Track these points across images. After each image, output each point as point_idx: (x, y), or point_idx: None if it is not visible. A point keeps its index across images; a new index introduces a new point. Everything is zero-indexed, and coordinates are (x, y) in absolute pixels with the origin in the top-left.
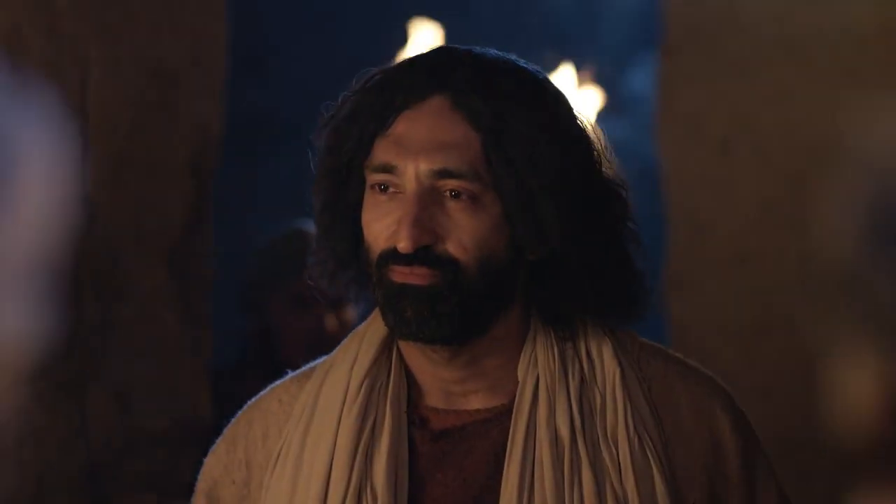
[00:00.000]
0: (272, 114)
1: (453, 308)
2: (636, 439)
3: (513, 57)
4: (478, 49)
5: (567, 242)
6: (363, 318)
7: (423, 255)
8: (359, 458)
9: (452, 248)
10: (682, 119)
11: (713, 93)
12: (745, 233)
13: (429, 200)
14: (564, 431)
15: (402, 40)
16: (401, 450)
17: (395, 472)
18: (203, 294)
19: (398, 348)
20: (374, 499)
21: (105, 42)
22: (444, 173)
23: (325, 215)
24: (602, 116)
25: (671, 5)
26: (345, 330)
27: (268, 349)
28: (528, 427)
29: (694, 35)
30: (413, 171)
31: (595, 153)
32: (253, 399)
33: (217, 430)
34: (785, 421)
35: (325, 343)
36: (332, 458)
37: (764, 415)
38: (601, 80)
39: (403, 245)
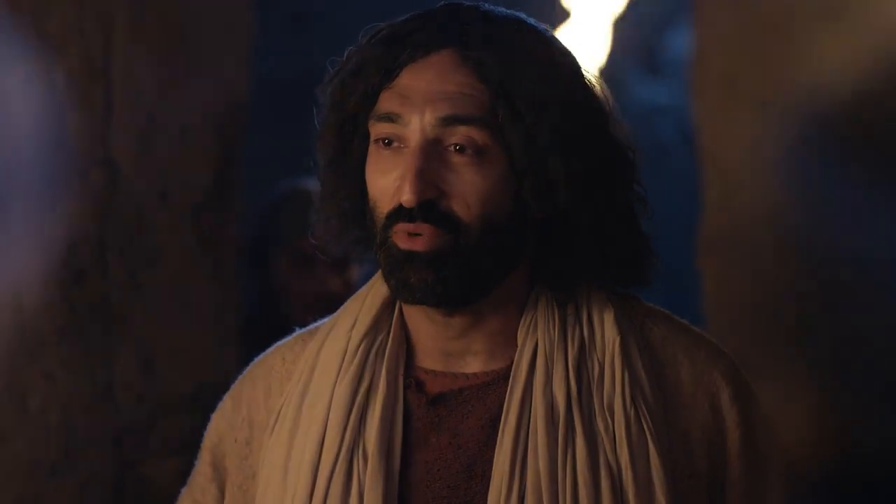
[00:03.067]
0: (317, 72)
1: (458, 270)
2: (633, 411)
3: (521, 15)
4: (486, 6)
5: (574, 201)
6: (368, 277)
7: (427, 210)
8: (352, 420)
9: (455, 205)
10: (717, 81)
11: (748, 54)
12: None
13: (433, 155)
14: (560, 400)
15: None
16: (395, 413)
17: (389, 435)
18: (230, 257)
19: (400, 309)
20: (366, 461)
21: (129, 4)
22: (450, 119)
23: (330, 172)
24: (642, 81)
25: None
26: (349, 290)
27: (273, 309)
28: (523, 394)
29: None
30: (418, 123)
31: (603, 114)
32: (259, 356)
33: None
34: None
35: (328, 304)
36: (327, 420)
37: None
38: (641, 45)
39: (407, 199)
